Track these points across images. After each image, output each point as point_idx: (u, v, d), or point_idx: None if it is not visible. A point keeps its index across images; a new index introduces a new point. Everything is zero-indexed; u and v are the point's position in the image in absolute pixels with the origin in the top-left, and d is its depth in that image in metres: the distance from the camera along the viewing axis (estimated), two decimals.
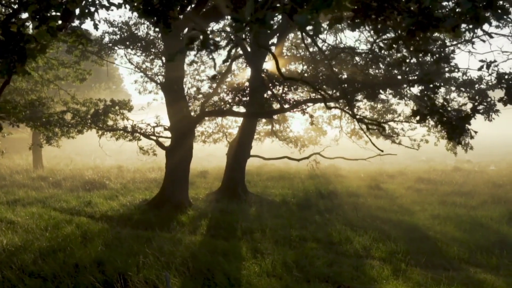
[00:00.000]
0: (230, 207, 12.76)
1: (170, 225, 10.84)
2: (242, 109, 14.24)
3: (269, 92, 12.66)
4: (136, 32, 14.30)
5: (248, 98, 12.61)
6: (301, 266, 7.43)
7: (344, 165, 23.59)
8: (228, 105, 12.75)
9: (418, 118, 3.56)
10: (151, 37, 14.64)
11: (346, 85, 10.30)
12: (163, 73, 15.06)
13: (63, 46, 14.41)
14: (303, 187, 17.48)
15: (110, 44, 14.48)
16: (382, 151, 16.27)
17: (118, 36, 14.22)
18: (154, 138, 13.29)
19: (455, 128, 3.27)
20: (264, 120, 20.86)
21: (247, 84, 13.93)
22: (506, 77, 5.09)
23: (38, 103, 11.19)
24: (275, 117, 20.93)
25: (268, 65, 14.91)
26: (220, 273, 6.77)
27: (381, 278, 7.11)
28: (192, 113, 14.56)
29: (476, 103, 4.43)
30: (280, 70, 7.32)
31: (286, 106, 11.60)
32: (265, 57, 14.58)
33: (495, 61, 4.03)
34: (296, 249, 8.68)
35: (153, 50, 14.22)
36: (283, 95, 12.37)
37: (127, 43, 14.17)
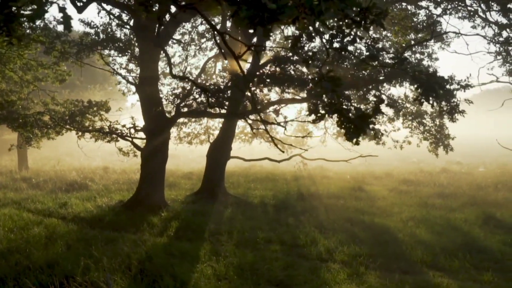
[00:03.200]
0: (204, 208, 12.69)
1: (140, 226, 10.78)
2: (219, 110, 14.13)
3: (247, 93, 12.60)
4: (113, 33, 14.25)
5: (223, 99, 12.54)
6: (256, 269, 7.34)
7: (331, 167, 23.47)
8: (203, 106, 12.67)
9: (313, 117, 3.47)
10: (132, 39, 14.59)
11: (311, 85, 10.25)
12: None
13: (41, 46, 14.38)
14: (286, 188, 17.38)
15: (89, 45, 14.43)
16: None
17: (97, 37, 14.19)
18: (130, 139, 13.23)
19: (357, 128, 3.19)
20: (250, 121, 20.81)
21: (228, 84, 13.82)
22: (423, 76, 4.99)
23: (7, 104, 11.11)
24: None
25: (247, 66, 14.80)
26: (169, 275, 6.69)
27: (335, 282, 7.02)
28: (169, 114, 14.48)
29: (377, 102, 4.32)
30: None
31: (259, 107, 11.53)
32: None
33: (406, 58, 3.94)
34: (257, 251, 8.60)
35: (129, 51, 14.18)
36: (257, 95, 12.30)
37: (105, 44, 14.14)
